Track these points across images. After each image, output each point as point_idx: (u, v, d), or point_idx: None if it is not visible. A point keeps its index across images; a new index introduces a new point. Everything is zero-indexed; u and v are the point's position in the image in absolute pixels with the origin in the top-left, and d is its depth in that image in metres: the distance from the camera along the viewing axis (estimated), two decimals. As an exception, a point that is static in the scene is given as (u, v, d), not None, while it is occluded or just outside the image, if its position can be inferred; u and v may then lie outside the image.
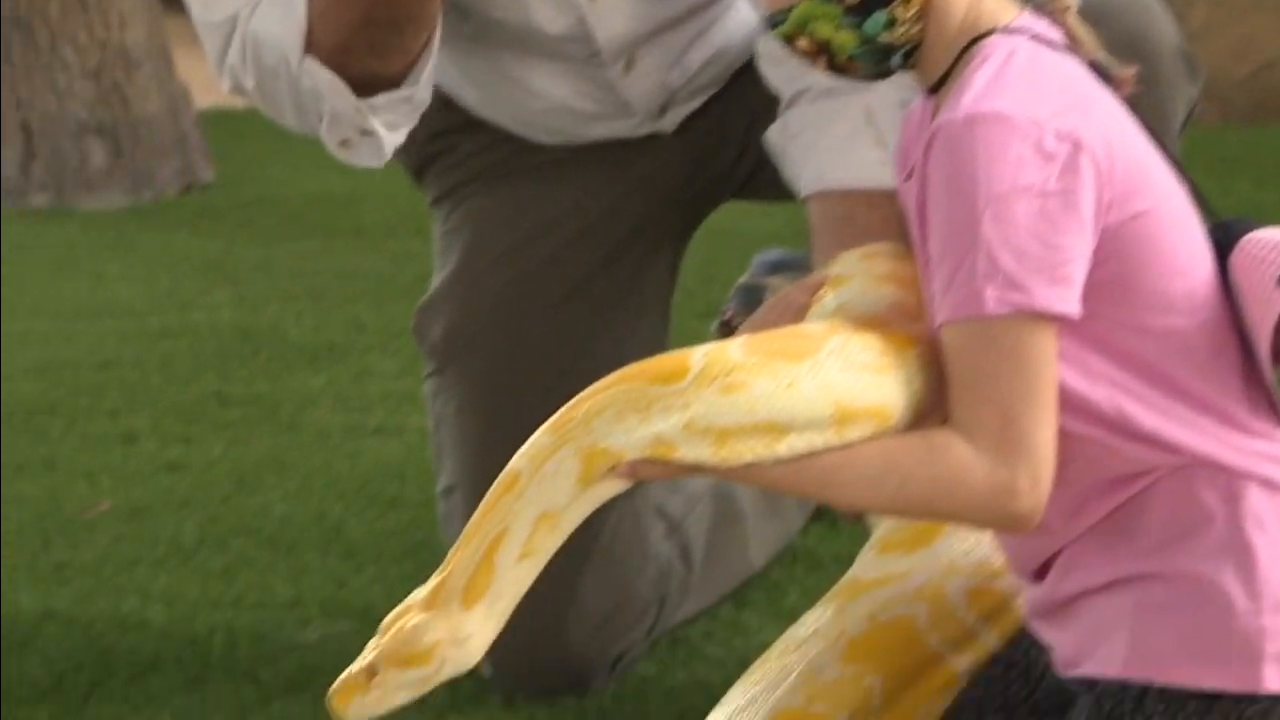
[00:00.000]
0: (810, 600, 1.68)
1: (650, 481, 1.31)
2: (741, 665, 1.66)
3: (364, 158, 1.79)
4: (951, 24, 1.26)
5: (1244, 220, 1.34)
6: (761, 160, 1.73)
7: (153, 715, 1.67)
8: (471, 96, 1.96)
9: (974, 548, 1.53)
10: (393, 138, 1.76)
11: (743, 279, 2.30)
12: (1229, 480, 1.24)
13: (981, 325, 1.24)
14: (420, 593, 1.27)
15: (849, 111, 1.70)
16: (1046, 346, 1.22)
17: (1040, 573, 1.33)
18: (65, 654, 1.86)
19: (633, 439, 1.25)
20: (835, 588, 1.56)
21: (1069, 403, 1.29)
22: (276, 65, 1.73)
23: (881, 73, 1.31)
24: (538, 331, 1.91)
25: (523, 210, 1.94)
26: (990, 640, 1.47)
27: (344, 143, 1.75)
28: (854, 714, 1.41)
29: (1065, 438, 1.29)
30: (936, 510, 1.31)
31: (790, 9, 1.28)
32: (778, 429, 1.24)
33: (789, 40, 1.30)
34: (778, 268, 2.29)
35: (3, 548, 2.28)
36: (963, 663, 1.45)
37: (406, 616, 1.27)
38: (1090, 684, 1.26)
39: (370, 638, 1.25)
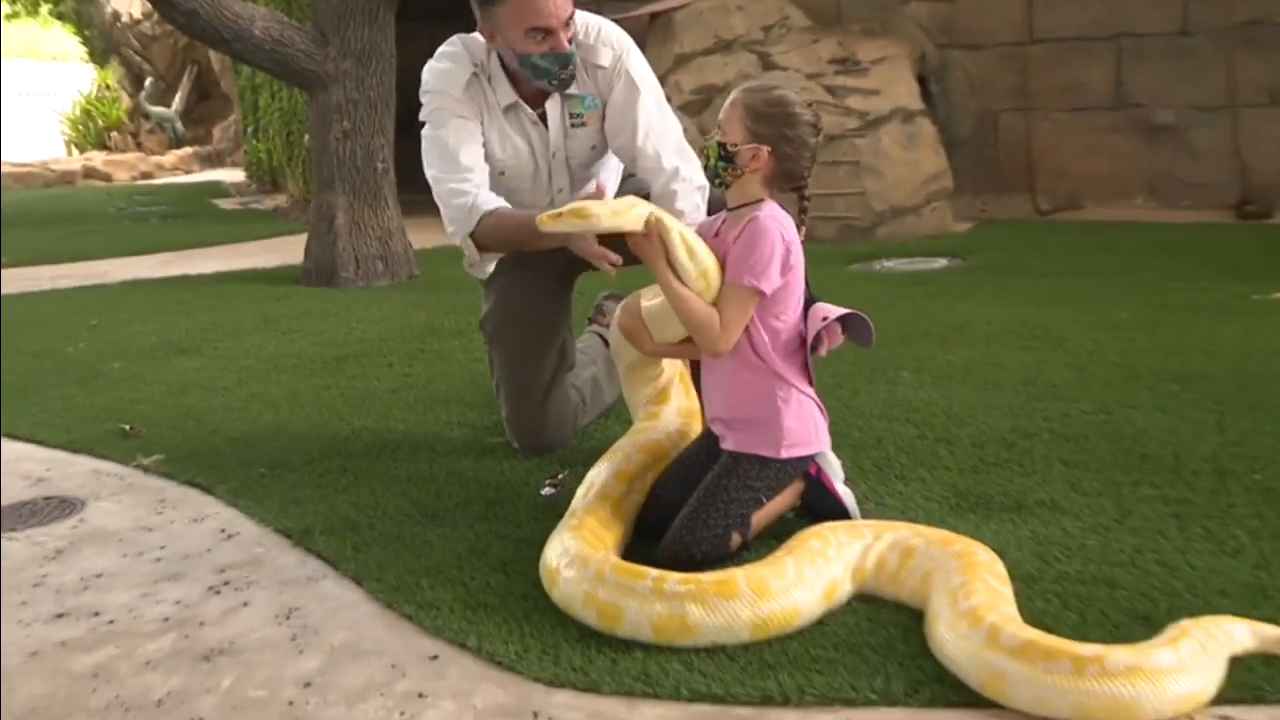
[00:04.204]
0: (629, 417, 3.11)
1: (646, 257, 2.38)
2: (607, 442, 2.97)
3: (477, 273, 2.99)
4: (741, 191, 2.43)
5: (815, 297, 2.52)
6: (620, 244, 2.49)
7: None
8: None
9: (674, 420, 2.83)
10: (488, 268, 2.97)
11: (597, 300, 3.69)
12: (786, 385, 2.45)
13: (737, 286, 2.36)
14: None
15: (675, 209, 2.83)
16: (753, 304, 2.38)
17: (717, 410, 2.54)
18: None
19: (665, 218, 2.37)
20: (631, 429, 2.87)
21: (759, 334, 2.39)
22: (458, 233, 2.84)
23: (711, 178, 2.46)
24: (525, 322, 3.11)
25: (512, 277, 3.04)
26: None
27: (471, 265, 2.95)
28: (644, 467, 2.65)
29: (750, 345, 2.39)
30: (698, 332, 2.42)
31: (708, 139, 2.42)
32: (693, 253, 2.38)
33: (702, 149, 2.47)
34: (608, 297, 3.63)
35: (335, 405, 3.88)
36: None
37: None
38: (731, 453, 2.48)
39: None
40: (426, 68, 2.92)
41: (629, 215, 2.37)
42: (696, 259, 2.39)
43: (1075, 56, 7.95)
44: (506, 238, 2.82)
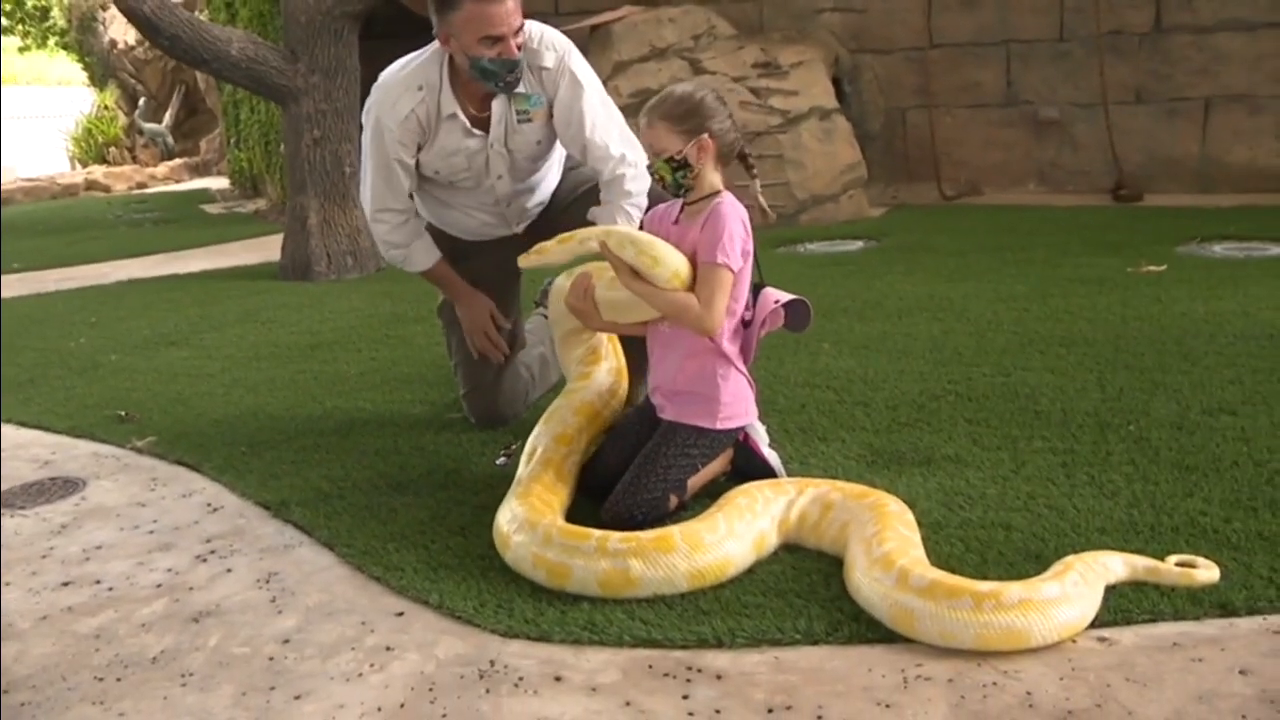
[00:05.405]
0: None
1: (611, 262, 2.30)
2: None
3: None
4: (701, 189, 2.39)
5: (764, 282, 2.49)
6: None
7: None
8: (438, 221, 3.08)
9: (605, 379, 2.75)
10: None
11: (543, 285, 3.50)
12: (726, 364, 2.43)
13: (713, 266, 2.31)
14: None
15: (610, 214, 2.80)
16: (730, 281, 2.33)
17: (659, 383, 2.50)
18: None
19: (613, 237, 2.31)
20: (565, 390, 2.80)
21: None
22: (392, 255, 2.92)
23: (675, 192, 2.40)
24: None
25: (462, 267, 3.02)
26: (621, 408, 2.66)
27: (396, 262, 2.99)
28: (580, 429, 2.60)
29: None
30: (679, 319, 2.36)
31: (653, 165, 2.38)
32: (658, 260, 2.32)
33: (651, 171, 2.41)
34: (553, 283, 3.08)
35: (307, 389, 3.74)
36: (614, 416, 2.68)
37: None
38: (670, 422, 2.46)
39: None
40: (378, 83, 2.86)
41: (573, 241, 2.42)
42: (664, 264, 2.34)
43: (970, 60, 7.97)
44: (433, 282, 3.03)
